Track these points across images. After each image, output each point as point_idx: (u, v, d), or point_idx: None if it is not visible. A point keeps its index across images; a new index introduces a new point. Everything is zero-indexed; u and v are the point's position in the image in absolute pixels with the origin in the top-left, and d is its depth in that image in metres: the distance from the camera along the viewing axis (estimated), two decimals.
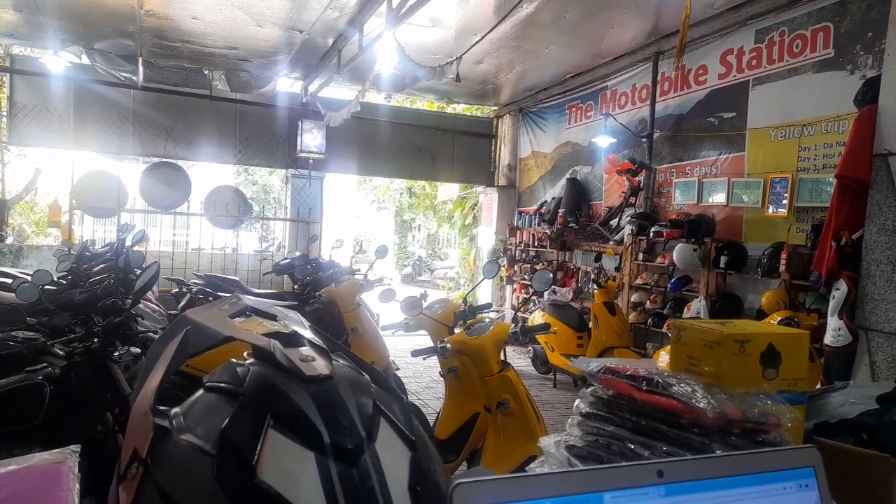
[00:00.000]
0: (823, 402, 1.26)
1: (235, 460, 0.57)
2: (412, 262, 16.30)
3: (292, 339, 0.72)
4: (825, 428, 1.15)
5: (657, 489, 0.59)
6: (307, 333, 0.83)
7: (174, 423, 0.62)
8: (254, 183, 16.51)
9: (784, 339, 1.08)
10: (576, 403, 1.13)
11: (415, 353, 3.64)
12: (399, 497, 0.59)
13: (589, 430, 1.08)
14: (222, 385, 0.65)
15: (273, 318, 0.84)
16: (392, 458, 0.62)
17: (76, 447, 0.78)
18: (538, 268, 8.90)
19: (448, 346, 3.49)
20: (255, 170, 16.31)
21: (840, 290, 3.42)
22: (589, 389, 1.12)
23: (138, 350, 3.07)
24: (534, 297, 8.60)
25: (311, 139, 8.42)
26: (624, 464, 0.57)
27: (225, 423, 0.59)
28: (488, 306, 4.27)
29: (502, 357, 3.53)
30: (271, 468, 0.56)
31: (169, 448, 0.61)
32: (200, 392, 0.66)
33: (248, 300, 0.88)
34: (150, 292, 6.37)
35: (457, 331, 3.76)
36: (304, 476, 0.56)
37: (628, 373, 1.03)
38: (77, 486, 0.74)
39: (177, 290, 6.35)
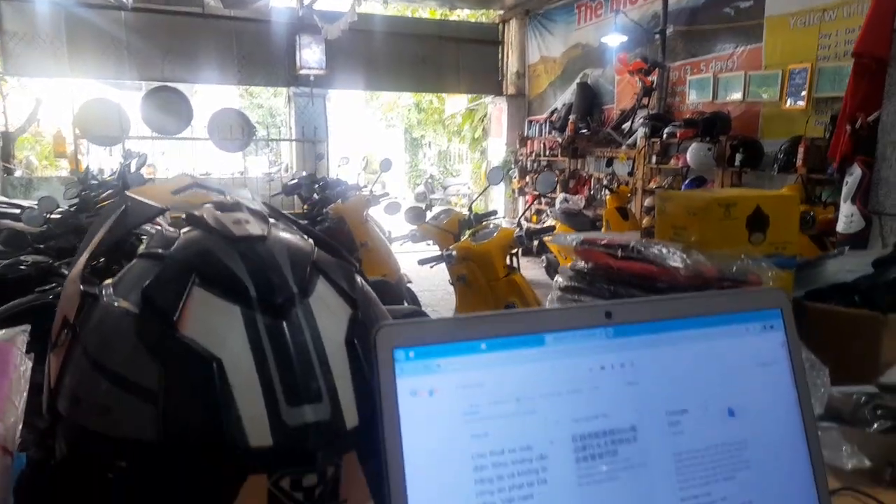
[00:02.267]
0: (818, 269, 1.21)
1: (157, 317, 0.54)
2: (424, 181, 16.13)
3: (230, 206, 0.68)
4: (817, 294, 1.11)
5: (604, 330, 0.56)
6: (254, 205, 0.79)
7: (102, 290, 0.60)
8: (259, 106, 16.22)
9: (772, 201, 1.03)
10: (555, 279, 1.10)
11: (421, 262, 3.65)
12: (334, 350, 0.56)
13: (567, 302, 1.05)
14: (150, 251, 0.62)
15: (220, 192, 0.80)
16: (329, 314, 0.59)
17: (25, 327, 0.76)
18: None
19: (454, 253, 3.49)
20: (260, 93, 15.98)
21: (854, 176, 3.30)
22: (569, 264, 1.08)
23: None
24: (546, 208, 8.53)
25: (311, 55, 8.16)
26: (570, 306, 0.53)
27: (147, 282, 0.56)
28: (493, 213, 4.23)
29: (509, 262, 3.53)
30: (194, 324, 0.54)
31: (95, 312, 0.59)
32: (133, 261, 0.63)
33: (194, 177, 0.84)
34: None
35: (463, 238, 3.75)
36: (230, 329, 0.54)
37: (604, 242, 0.99)
38: (28, 364, 0.73)
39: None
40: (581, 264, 1.05)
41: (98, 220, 0.77)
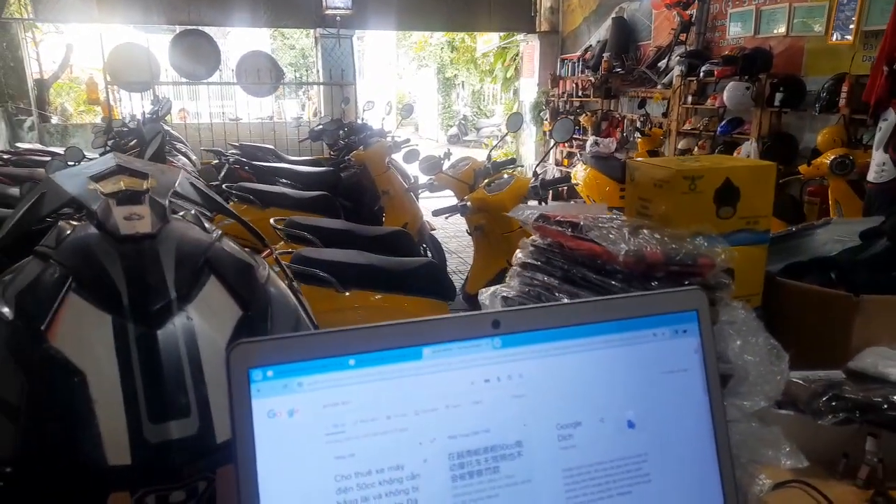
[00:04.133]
0: (805, 240, 1.14)
1: (28, 325, 0.53)
2: (457, 122, 15.83)
3: (132, 197, 0.66)
4: (797, 269, 1.04)
5: (491, 341, 0.53)
6: (182, 189, 0.77)
7: None
8: (291, 47, 15.99)
9: (744, 172, 0.96)
10: (516, 253, 1.06)
11: (436, 213, 3.61)
12: (212, 359, 0.55)
13: (525, 280, 1.01)
14: (41, 248, 0.61)
15: (144, 176, 0.77)
16: (213, 318, 0.57)
17: None
18: (581, 119, 8.52)
19: (468, 203, 3.43)
20: (292, 33, 15.74)
21: (888, 121, 3.08)
22: (529, 239, 1.04)
23: None
24: (577, 151, 8.33)
25: None
26: (454, 315, 0.50)
27: (22, 287, 0.55)
28: (512, 161, 4.13)
29: None
30: (65, 333, 0.52)
31: None
32: (27, 259, 0.62)
33: (122, 159, 0.81)
34: (190, 163, 6.49)
35: (481, 185, 3.69)
36: (99, 341, 0.52)
37: (558, 218, 0.94)
38: None
39: (216, 161, 6.43)
40: (539, 240, 1.01)
41: (18, 205, 0.76)
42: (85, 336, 0.52)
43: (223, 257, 0.63)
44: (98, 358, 0.51)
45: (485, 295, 1.05)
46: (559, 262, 0.94)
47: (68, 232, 0.63)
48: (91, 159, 3.23)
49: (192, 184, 0.81)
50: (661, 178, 0.97)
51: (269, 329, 0.61)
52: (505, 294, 0.99)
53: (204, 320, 0.56)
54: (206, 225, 0.69)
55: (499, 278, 3.73)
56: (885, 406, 0.77)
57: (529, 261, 1.00)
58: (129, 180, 0.75)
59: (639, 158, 1.08)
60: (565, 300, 0.89)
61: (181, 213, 0.69)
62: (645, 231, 0.86)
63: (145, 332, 0.53)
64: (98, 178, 0.76)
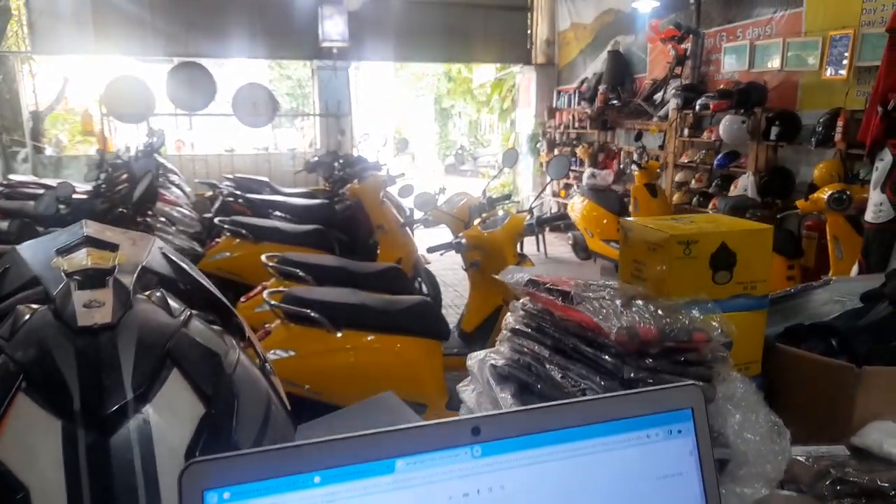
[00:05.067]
0: (804, 300, 1.11)
1: None
2: (454, 152, 15.90)
3: (96, 278, 0.62)
4: (797, 332, 1.01)
5: (470, 449, 0.49)
6: (153, 263, 0.73)
7: None
8: (288, 77, 16.13)
9: (741, 236, 0.93)
10: (506, 318, 1.03)
11: (430, 250, 3.58)
12: (168, 466, 0.51)
13: (516, 347, 0.98)
14: None
15: (114, 248, 0.74)
16: (173, 418, 0.53)
17: None
18: (578, 151, 8.56)
19: (463, 241, 3.41)
20: (289, 63, 15.89)
21: (884, 161, 3.08)
22: (521, 302, 1.01)
23: None
24: (574, 182, 8.34)
25: (333, 26, 8.03)
26: (430, 423, 0.46)
27: None
28: (507, 197, 4.12)
29: (519, 250, 3.44)
30: (10, 442, 0.48)
31: None
32: None
33: (92, 228, 0.78)
34: (184, 195, 6.47)
35: (476, 222, 3.67)
36: (45, 451, 0.48)
37: (548, 285, 0.91)
38: None
39: (210, 193, 6.41)
40: (530, 305, 0.97)
41: None
42: (31, 445, 0.48)
43: (187, 347, 0.59)
44: (44, 471, 0.47)
45: (473, 362, 1.02)
46: (550, 329, 0.91)
47: (25, 318, 0.59)
48: (83, 193, 3.19)
49: (164, 254, 0.78)
50: (654, 241, 0.94)
51: (233, 427, 0.57)
52: (493, 362, 0.95)
53: (163, 421, 0.52)
54: (174, 305, 0.65)
55: (494, 316, 3.70)
56: (893, 493, 0.73)
57: (520, 327, 0.97)
58: (96, 255, 0.71)
59: (631, 219, 1.05)
60: (556, 373, 0.85)
61: (147, 293, 0.66)
62: (638, 302, 0.82)
63: (96, 440, 0.49)
64: (65, 250, 0.73)
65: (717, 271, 0.93)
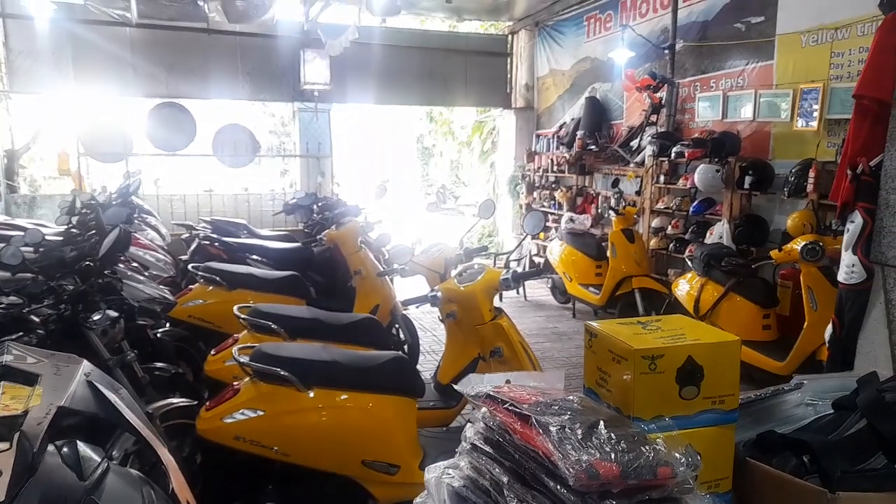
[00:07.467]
0: (776, 403, 1.07)
1: None
2: (436, 191, 15.98)
3: (1, 428, 0.56)
4: (768, 442, 0.97)
5: None
6: (76, 401, 0.67)
7: None
8: (271, 115, 16.16)
9: (707, 350, 0.89)
10: (466, 428, 0.98)
11: (405, 303, 3.53)
12: None
13: (474, 463, 0.92)
14: None
15: (33, 380, 0.68)
16: None
17: None
18: (556, 195, 8.62)
19: (438, 294, 3.37)
20: (272, 102, 15.94)
21: (855, 223, 3.11)
22: (481, 413, 0.96)
23: (115, 314, 3.00)
24: (553, 226, 8.38)
25: (315, 70, 8.08)
26: None
27: None
28: (484, 249, 4.10)
29: (496, 303, 3.40)
30: None
31: None
32: None
33: (13, 355, 0.72)
34: (160, 237, 6.38)
35: (452, 274, 3.63)
36: None
37: (507, 405, 0.86)
38: None
39: (187, 234, 6.33)
40: (489, 418, 0.92)
41: None
42: None
43: (128, 489, 0.54)
44: None
45: (430, 476, 0.96)
46: (510, 449, 0.86)
47: None
48: (55, 235, 3.07)
49: (90, 382, 0.72)
50: (619, 352, 0.90)
51: None
52: (450, 483, 0.90)
53: None
54: (88, 456, 0.59)
55: (471, 368, 3.63)
56: None
57: (479, 443, 0.92)
58: (11, 392, 0.66)
59: (597, 323, 1.00)
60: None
61: (60, 443, 0.60)
62: (601, 430, 0.78)
63: None
64: None
65: (683, 386, 0.89)
